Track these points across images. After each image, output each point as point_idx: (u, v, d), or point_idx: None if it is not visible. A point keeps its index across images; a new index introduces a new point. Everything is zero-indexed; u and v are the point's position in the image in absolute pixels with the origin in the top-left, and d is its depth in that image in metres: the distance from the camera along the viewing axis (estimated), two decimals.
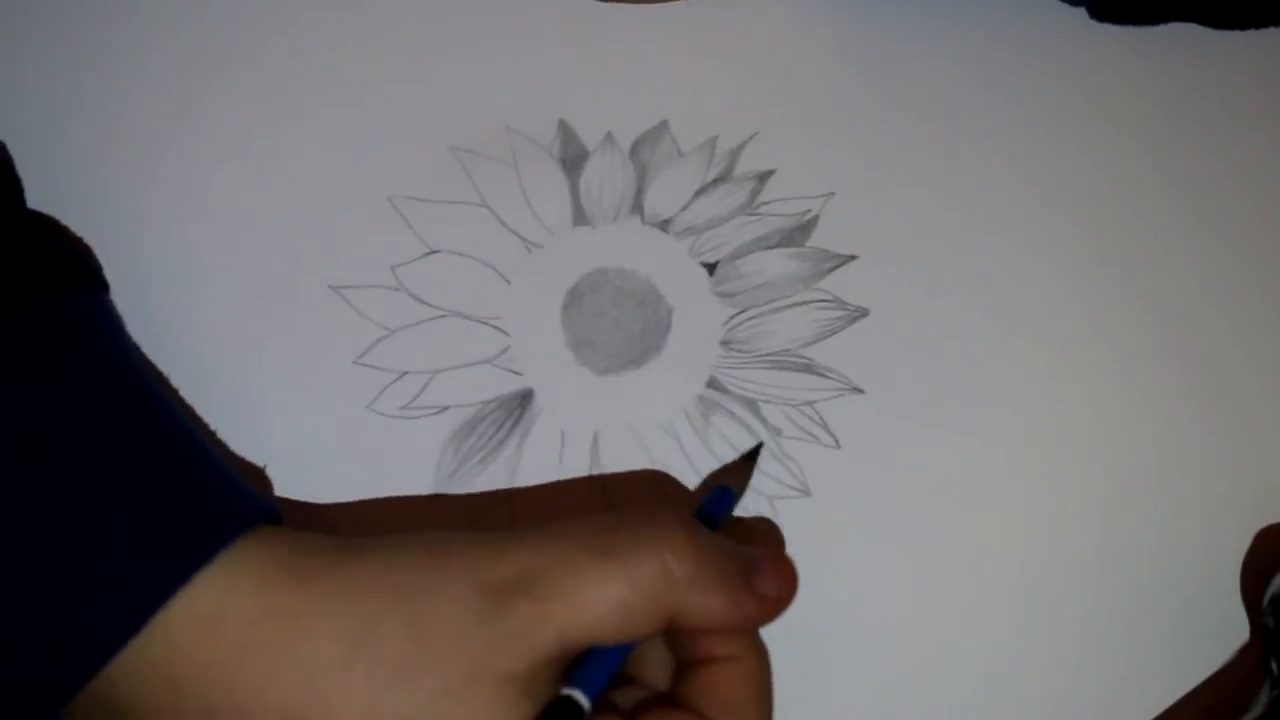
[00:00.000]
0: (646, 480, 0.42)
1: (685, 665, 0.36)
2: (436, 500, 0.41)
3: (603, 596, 0.33)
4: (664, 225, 0.44)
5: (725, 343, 0.43)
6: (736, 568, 0.35)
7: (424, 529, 0.35)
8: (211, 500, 0.34)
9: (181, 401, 0.41)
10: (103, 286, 0.39)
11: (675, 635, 0.36)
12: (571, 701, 0.32)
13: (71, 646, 0.32)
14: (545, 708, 0.33)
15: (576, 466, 0.42)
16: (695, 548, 0.34)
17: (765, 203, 0.44)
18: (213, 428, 0.41)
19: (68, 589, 0.32)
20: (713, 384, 0.43)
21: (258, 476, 0.41)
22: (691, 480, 0.42)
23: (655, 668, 0.37)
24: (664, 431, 0.42)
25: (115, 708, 0.33)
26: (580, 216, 0.44)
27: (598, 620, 0.33)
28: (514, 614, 0.33)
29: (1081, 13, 0.47)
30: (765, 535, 0.41)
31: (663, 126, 0.45)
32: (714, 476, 0.41)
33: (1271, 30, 0.47)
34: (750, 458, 0.41)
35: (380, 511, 0.41)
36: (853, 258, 0.44)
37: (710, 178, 0.45)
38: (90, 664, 0.32)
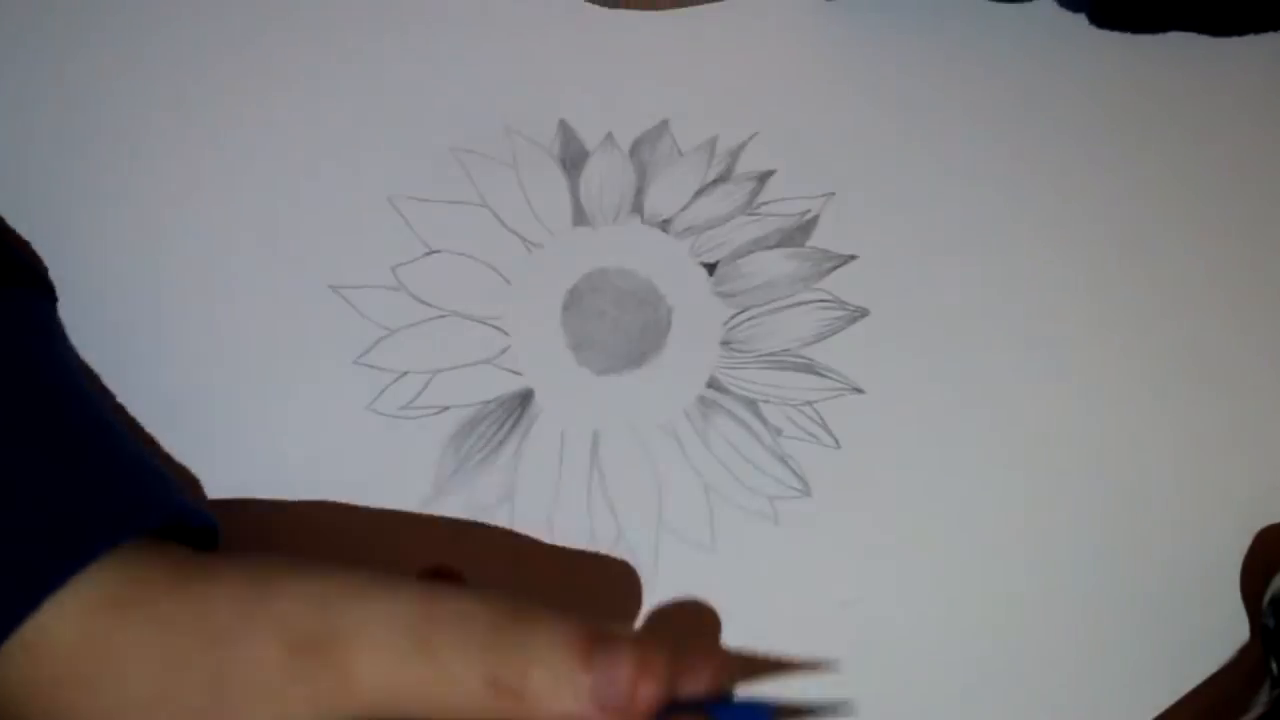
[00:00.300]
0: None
1: None
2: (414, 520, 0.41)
3: (411, 684, 0.32)
4: (664, 225, 0.44)
5: (725, 343, 0.43)
6: (576, 677, 0.32)
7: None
8: (82, 518, 0.33)
9: (120, 409, 0.41)
10: (50, 295, 0.39)
11: None
12: None
13: None
14: None
15: (576, 466, 0.42)
16: (524, 656, 0.32)
17: (765, 203, 0.44)
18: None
19: None
20: (713, 384, 0.43)
21: (193, 486, 0.41)
22: (693, 482, 0.42)
23: None
24: (664, 431, 0.42)
25: None
26: (580, 216, 0.44)
27: (406, 706, 0.32)
28: (314, 683, 0.32)
29: (1081, 17, 0.47)
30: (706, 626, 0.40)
31: (663, 126, 0.45)
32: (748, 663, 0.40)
33: (1270, 35, 0.47)
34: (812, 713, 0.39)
35: (340, 520, 0.41)
36: (853, 258, 0.44)
37: (710, 178, 0.45)
38: None
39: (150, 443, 0.41)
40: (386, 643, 0.32)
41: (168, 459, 0.41)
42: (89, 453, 0.35)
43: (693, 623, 0.41)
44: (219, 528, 0.37)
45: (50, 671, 0.32)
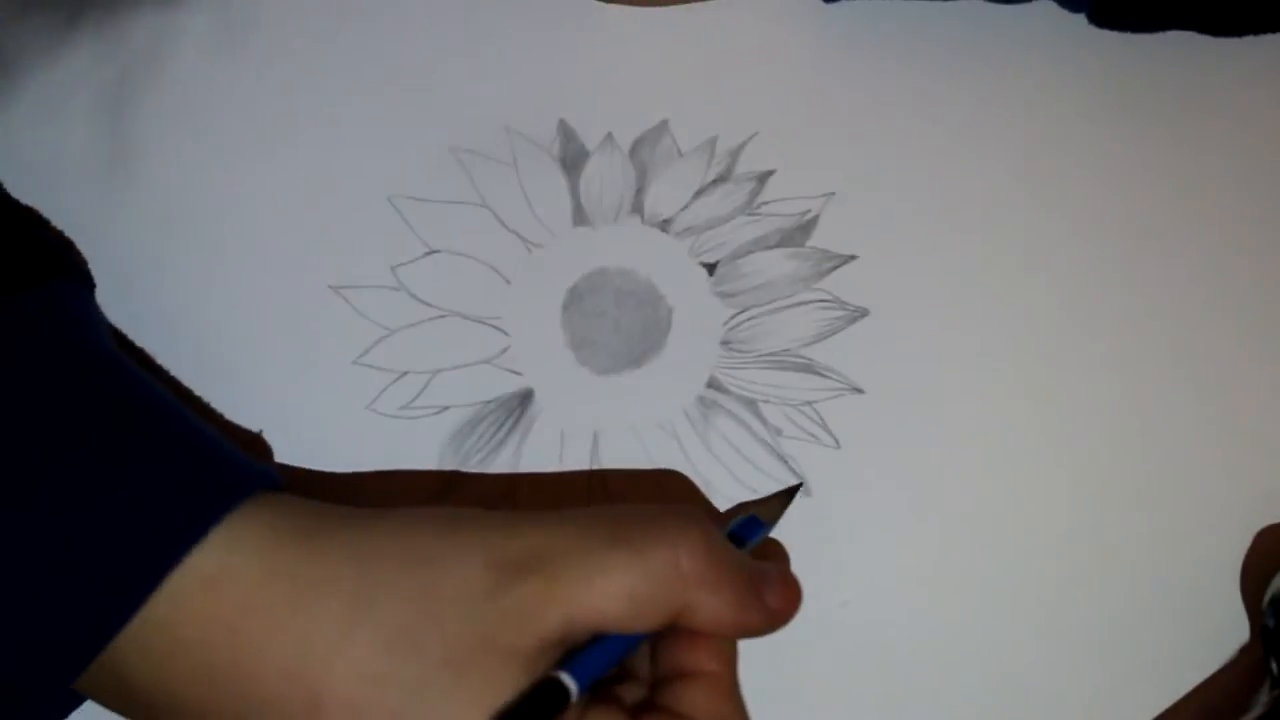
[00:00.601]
0: (659, 479, 0.42)
1: (668, 677, 0.36)
2: (445, 480, 0.41)
3: (613, 583, 0.33)
4: (664, 225, 0.44)
5: (725, 343, 0.43)
6: (746, 575, 0.35)
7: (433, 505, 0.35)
8: (213, 467, 0.34)
9: (172, 381, 0.41)
10: (87, 282, 0.40)
11: (663, 645, 0.36)
12: (558, 683, 0.32)
13: (83, 616, 0.32)
14: (531, 686, 0.32)
15: (576, 466, 0.42)
16: (709, 548, 0.34)
17: (765, 203, 0.44)
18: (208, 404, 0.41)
19: (75, 561, 0.32)
20: (713, 384, 0.43)
21: (256, 444, 0.41)
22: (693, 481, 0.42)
23: (634, 677, 0.37)
24: (664, 431, 0.42)
25: (120, 672, 0.33)
26: (580, 216, 0.44)
27: (606, 606, 0.33)
28: (522, 591, 0.33)
29: (1081, 14, 0.47)
30: (773, 554, 0.41)
31: (663, 126, 0.45)
32: (745, 506, 0.41)
33: (1271, 36, 0.47)
34: (787, 496, 0.41)
35: (386, 486, 0.41)
36: (853, 258, 0.44)
37: (710, 178, 0.45)
38: (102, 632, 0.32)
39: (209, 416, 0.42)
40: (583, 547, 0.33)
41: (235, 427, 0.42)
42: (193, 422, 0.36)
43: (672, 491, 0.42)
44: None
45: (236, 603, 0.33)
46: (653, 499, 0.42)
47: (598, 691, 0.35)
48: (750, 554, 0.37)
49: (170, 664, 0.33)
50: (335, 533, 0.34)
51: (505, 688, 0.32)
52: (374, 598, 0.32)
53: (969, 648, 0.41)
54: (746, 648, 0.41)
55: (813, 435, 0.43)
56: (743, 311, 0.44)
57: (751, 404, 0.43)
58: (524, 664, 0.32)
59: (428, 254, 0.43)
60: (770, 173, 0.45)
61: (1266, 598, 0.40)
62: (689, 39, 0.46)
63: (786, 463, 0.42)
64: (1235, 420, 0.43)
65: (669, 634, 0.36)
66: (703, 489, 0.42)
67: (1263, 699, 0.39)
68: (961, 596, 0.42)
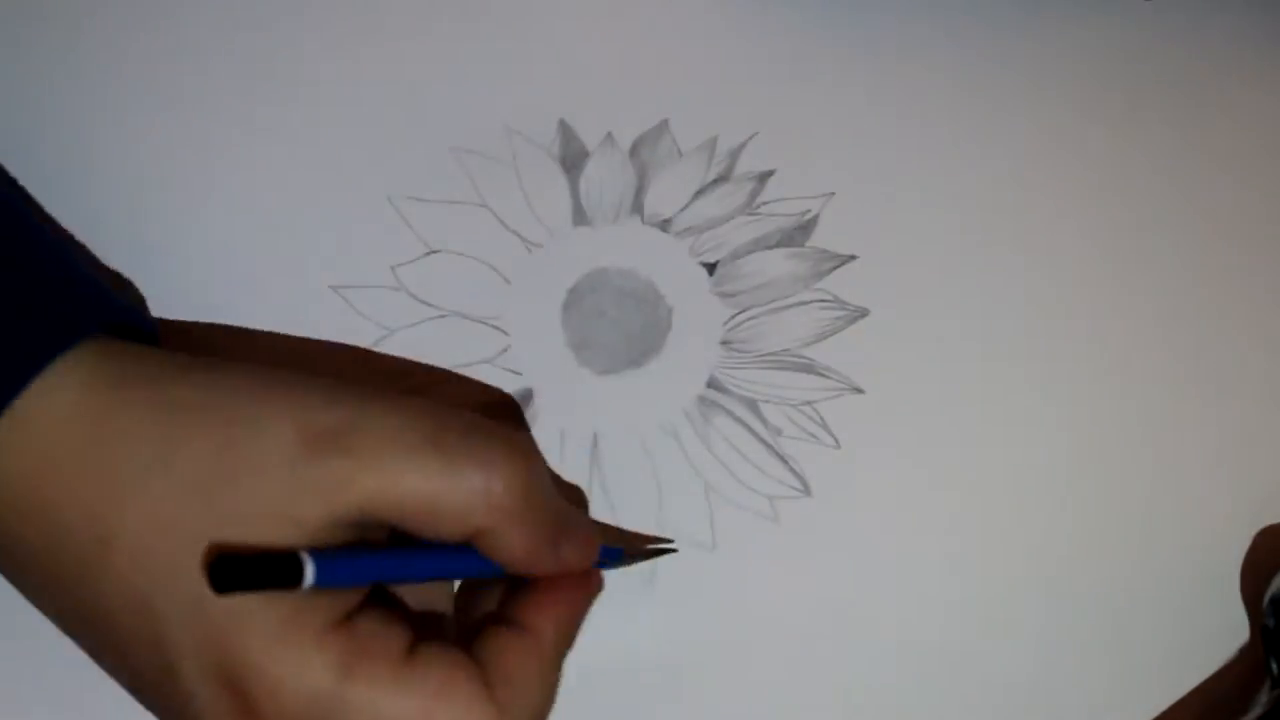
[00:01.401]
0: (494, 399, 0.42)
1: (493, 620, 0.35)
2: (361, 358, 0.41)
3: (416, 485, 0.32)
4: (664, 225, 0.44)
5: (725, 343, 0.43)
6: (551, 520, 0.34)
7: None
8: (49, 308, 0.34)
9: (46, 216, 0.41)
10: None
11: (507, 591, 0.36)
12: (294, 560, 0.31)
13: None
14: (269, 550, 0.32)
15: (576, 466, 0.42)
16: (527, 483, 0.33)
17: (765, 203, 0.44)
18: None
19: None
20: (713, 384, 0.43)
21: (130, 292, 0.41)
22: (693, 482, 0.42)
23: (477, 616, 0.36)
24: (664, 431, 0.42)
25: None
26: (580, 216, 0.44)
27: (404, 503, 0.32)
28: (323, 465, 0.32)
29: (1082, 14, 0.47)
30: (575, 502, 0.41)
31: (663, 126, 0.45)
32: (617, 533, 0.41)
33: (1272, 29, 0.47)
34: (659, 552, 0.41)
35: (278, 350, 0.41)
36: (853, 258, 0.44)
37: (710, 178, 0.45)
38: None
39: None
40: (400, 437, 0.32)
41: (103, 267, 0.41)
42: (45, 254, 0.36)
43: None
44: (159, 338, 0.37)
45: (42, 444, 0.33)
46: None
47: (389, 604, 0.34)
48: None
49: None
50: (150, 381, 0.34)
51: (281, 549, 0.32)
52: (174, 448, 0.32)
53: (969, 648, 0.41)
54: (745, 647, 0.41)
55: (813, 435, 0.43)
56: (743, 311, 0.44)
57: (752, 404, 0.43)
58: (310, 538, 0.32)
59: (428, 254, 0.43)
60: (770, 173, 0.45)
61: (1266, 598, 0.40)
62: (689, 38, 0.46)
63: (786, 463, 0.42)
64: (1235, 420, 0.43)
65: (515, 584, 0.35)
66: (703, 489, 0.42)
67: (1263, 699, 0.39)
68: (961, 596, 0.42)
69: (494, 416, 0.40)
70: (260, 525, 0.32)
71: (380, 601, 0.34)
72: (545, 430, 0.42)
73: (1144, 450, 0.43)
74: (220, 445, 0.32)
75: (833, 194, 0.45)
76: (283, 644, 0.31)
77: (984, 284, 0.44)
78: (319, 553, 0.31)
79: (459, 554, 0.34)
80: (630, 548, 0.40)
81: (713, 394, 0.43)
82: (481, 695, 0.33)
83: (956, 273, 0.44)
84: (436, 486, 0.32)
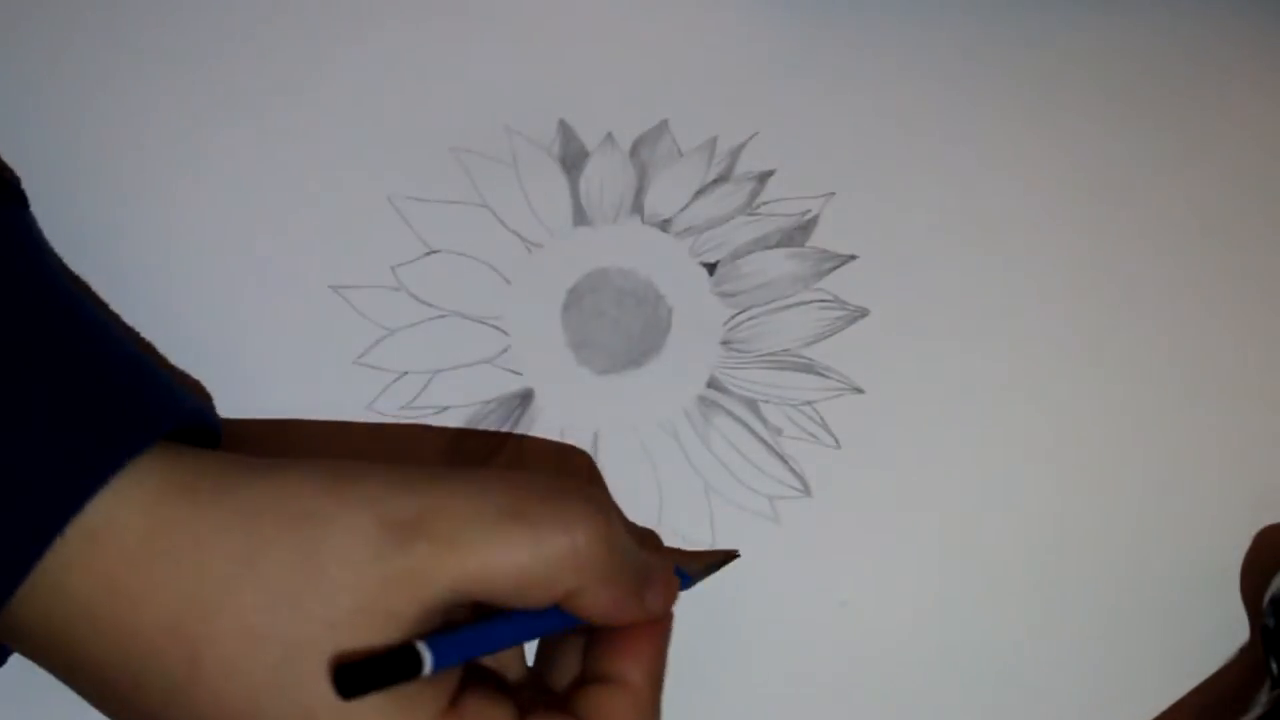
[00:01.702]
0: (564, 453, 0.42)
1: (584, 679, 0.35)
2: (413, 433, 0.41)
3: (505, 557, 0.32)
4: (664, 225, 0.44)
5: (725, 343, 0.43)
6: (633, 571, 0.35)
7: (347, 458, 0.35)
8: (119, 413, 0.34)
9: (113, 315, 0.41)
10: (21, 202, 0.39)
11: (586, 649, 0.36)
12: (411, 650, 0.31)
13: None
14: (384, 648, 0.31)
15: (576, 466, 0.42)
16: (609, 537, 0.34)
17: (765, 203, 0.44)
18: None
19: None
20: (713, 384, 0.43)
21: (195, 389, 0.41)
22: (693, 482, 0.42)
23: (566, 676, 0.36)
24: (664, 431, 0.42)
25: (13, 623, 0.33)
26: (580, 216, 0.44)
27: (494, 579, 0.32)
28: (410, 554, 0.32)
29: (1082, 13, 0.47)
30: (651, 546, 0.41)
31: (663, 126, 0.45)
32: (676, 555, 0.41)
33: (1271, 31, 0.47)
34: (720, 562, 0.41)
35: (335, 435, 0.41)
36: (853, 258, 0.44)
37: (710, 178, 0.45)
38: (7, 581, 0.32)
39: (150, 351, 0.41)
40: (479, 514, 0.32)
41: (170, 368, 0.41)
42: (113, 358, 0.35)
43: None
44: (221, 436, 0.37)
45: (120, 556, 0.32)
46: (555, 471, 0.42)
47: (483, 678, 0.35)
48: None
49: (58, 617, 0.32)
50: (225, 488, 0.33)
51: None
52: (257, 555, 0.32)
53: (969, 648, 0.41)
54: (745, 647, 0.41)
55: (813, 435, 0.43)
56: (743, 311, 0.44)
57: (752, 404, 0.43)
58: (405, 628, 0.32)
59: (428, 254, 0.43)
60: (770, 173, 0.45)
61: (1266, 598, 0.40)
62: (689, 38, 0.46)
63: (786, 463, 0.42)
64: (1235, 420, 0.43)
65: (594, 640, 0.36)
66: (703, 489, 0.42)
67: (1263, 699, 0.39)
68: (961, 596, 0.42)
69: (563, 467, 0.41)
70: (355, 625, 0.32)
71: (475, 681, 0.34)
72: (545, 430, 0.42)
73: (1144, 450, 0.43)
74: (302, 547, 0.32)
75: (833, 194, 0.45)
76: None
77: (984, 284, 0.44)
78: (432, 639, 0.31)
79: (545, 613, 0.34)
80: (693, 567, 0.40)
81: (713, 394, 0.43)
82: None
83: (956, 273, 0.44)
84: (522, 558, 0.32)
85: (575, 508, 0.33)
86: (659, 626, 0.36)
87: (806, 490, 0.42)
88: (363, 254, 0.43)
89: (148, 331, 0.42)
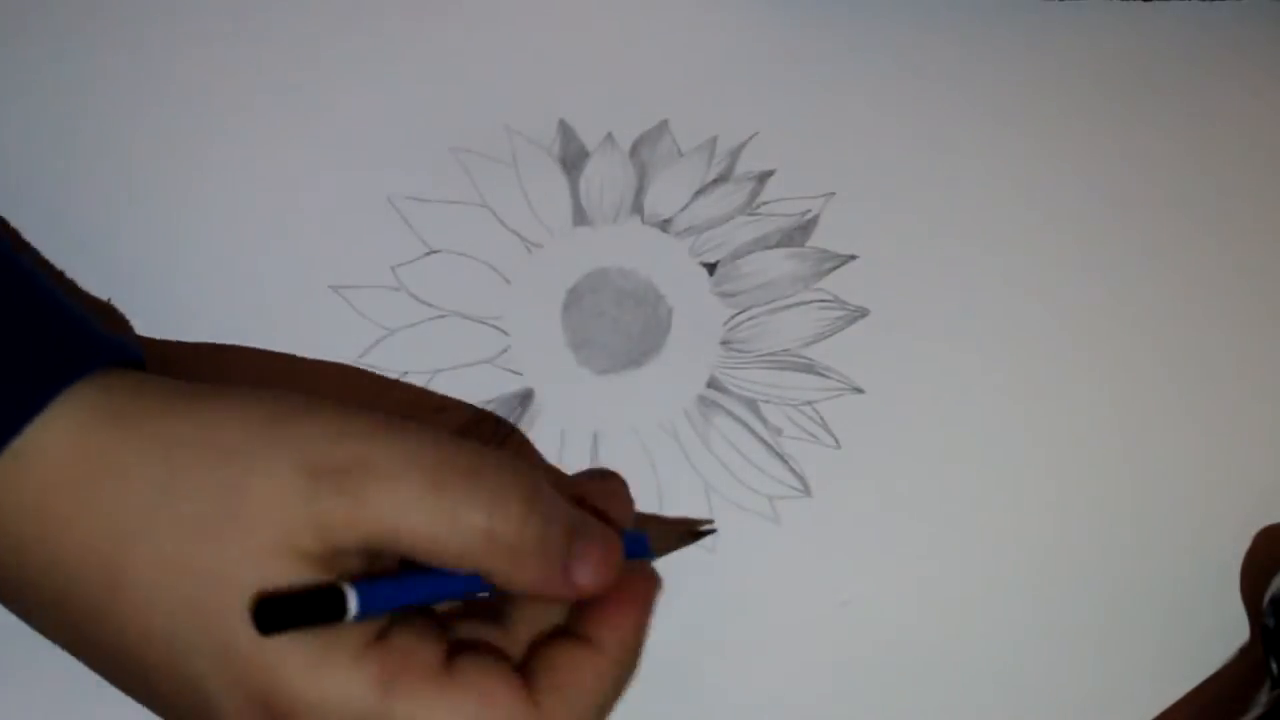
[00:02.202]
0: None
1: (557, 634, 0.35)
2: (351, 377, 0.41)
3: (418, 525, 0.32)
4: (664, 225, 0.44)
5: (725, 343, 0.43)
6: (555, 551, 0.34)
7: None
8: (47, 347, 0.34)
9: (32, 251, 0.41)
10: None
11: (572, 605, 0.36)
12: (337, 593, 0.31)
13: None
14: (312, 585, 0.32)
15: (576, 467, 0.42)
16: (525, 515, 0.33)
17: (765, 203, 0.44)
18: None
19: None
20: (713, 384, 0.43)
21: (109, 315, 0.41)
22: (693, 482, 0.42)
23: (534, 627, 0.36)
24: (664, 431, 0.42)
25: None
26: (580, 216, 0.44)
27: (408, 545, 0.33)
28: (326, 503, 0.32)
29: (1082, 12, 0.47)
30: (611, 496, 0.39)
31: (663, 126, 0.45)
32: (650, 521, 0.41)
33: (1265, 41, 0.47)
34: (692, 536, 0.41)
35: (249, 362, 0.41)
36: (853, 258, 0.44)
37: (710, 178, 0.45)
38: None
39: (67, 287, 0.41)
40: (403, 478, 0.32)
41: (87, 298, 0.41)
42: (38, 293, 0.36)
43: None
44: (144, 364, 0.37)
45: (42, 480, 0.33)
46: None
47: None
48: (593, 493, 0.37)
49: None
50: (153, 416, 0.33)
51: (292, 587, 0.32)
52: (178, 484, 0.32)
53: (969, 648, 0.41)
54: (745, 647, 0.41)
55: (813, 435, 0.43)
56: (743, 311, 0.44)
57: (752, 404, 0.43)
58: (317, 568, 0.32)
59: (428, 254, 0.43)
60: (770, 173, 0.45)
61: (1266, 598, 0.40)
62: (689, 38, 0.46)
63: (787, 462, 0.42)
64: (1235, 420, 0.43)
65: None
66: (703, 489, 0.42)
67: (1263, 699, 0.39)
68: (961, 596, 0.42)
69: (493, 431, 0.41)
70: (272, 560, 0.32)
71: (413, 618, 0.34)
72: (545, 430, 0.42)
73: (1144, 450, 0.43)
74: (223, 480, 0.32)
75: (833, 194, 0.45)
76: (321, 670, 0.32)
77: (984, 284, 0.44)
78: (359, 584, 0.31)
79: (472, 576, 0.34)
80: (663, 539, 0.40)
81: (713, 394, 0.43)
82: (524, 704, 0.33)
83: (956, 273, 0.44)
84: (436, 530, 0.32)
85: (495, 485, 0.33)
86: (637, 592, 0.36)
87: (806, 490, 0.42)
88: (363, 254, 0.43)
89: (148, 333, 0.42)
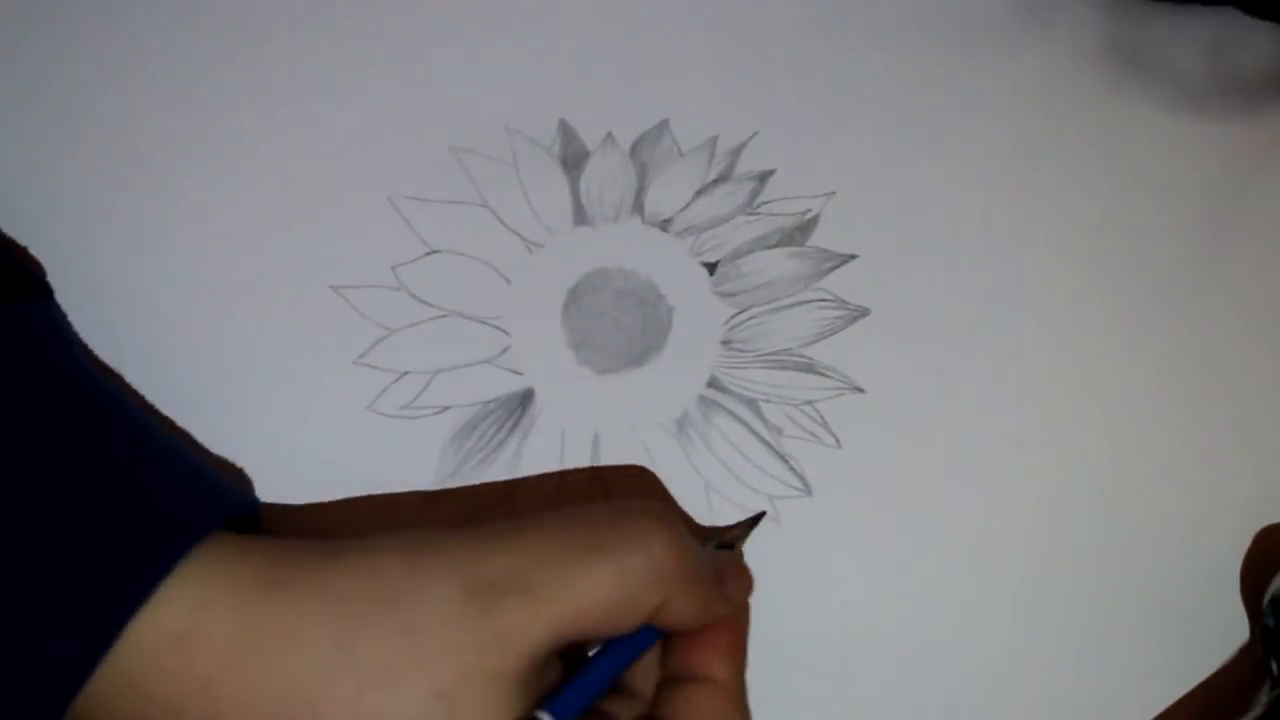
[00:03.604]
0: (635, 474, 0.42)
1: (669, 682, 0.36)
2: (433, 498, 0.41)
3: (593, 591, 0.33)
4: (664, 225, 0.44)
5: (726, 342, 0.43)
6: (710, 569, 0.36)
7: (411, 528, 0.35)
8: (172, 506, 0.33)
9: (143, 402, 0.41)
10: (47, 293, 0.39)
11: (668, 652, 0.36)
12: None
13: (41, 676, 0.31)
14: None
15: (577, 466, 0.42)
16: (683, 547, 0.34)
17: (765, 202, 0.44)
18: (202, 429, 0.41)
19: (27, 616, 0.31)
20: (713, 384, 0.43)
21: (237, 476, 0.41)
22: (694, 481, 0.42)
23: (648, 683, 0.37)
24: (665, 431, 0.42)
25: None
26: (581, 216, 0.44)
27: (588, 615, 0.33)
28: (504, 612, 0.32)
29: (1082, 12, 0.47)
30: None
31: (663, 126, 0.45)
32: (711, 532, 0.41)
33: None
34: (752, 523, 0.41)
35: (372, 511, 0.41)
36: (853, 257, 0.44)
37: (710, 177, 0.45)
38: (64, 691, 0.31)
39: (189, 440, 0.41)
40: (558, 556, 0.33)
41: (211, 455, 0.41)
42: (156, 448, 0.35)
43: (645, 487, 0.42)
44: (260, 522, 0.37)
45: (212, 658, 0.32)
46: (631, 493, 0.42)
47: (591, 713, 0.35)
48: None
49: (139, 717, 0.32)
50: (306, 575, 0.33)
51: (496, 713, 0.32)
52: (353, 638, 0.32)
53: (969, 648, 0.41)
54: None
55: (813, 435, 0.43)
56: (743, 311, 0.44)
57: (752, 403, 0.43)
58: (513, 685, 0.32)
59: (428, 254, 0.43)
60: (770, 172, 0.45)
61: (1266, 598, 0.40)
62: (689, 38, 0.46)
63: (787, 462, 0.42)
64: (1235, 420, 0.43)
65: (674, 641, 0.36)
66: (704, 489, 0.42)
67: (1263, 699, 0.39)
68: (961, 596, 0.42)
69: (620, 483, 0.42)
70: (462, 692, 0.32)
71: None
72: (546, 430, 0.42)
73: (1144, 450, 0.43)
74: (396, 623, 0.32)
75: (833, 194, 0.45)
76: None
77: (984, 283, 0.44)
78: (548, 703, 0.32)
79: (637, 634, 0.35)
80: (736, 540, 0.40)
81: (713, 393, 0.43)
82: None
83: (957, 273, 0.44)
84: (608, 587, 0.33)
85: (643, 525, 0.34)
86: (737, 618, 0.37)
87: (807, 490, 0.42)
88: (363, 254, 0.43)
89: (148, 335, 0.42)
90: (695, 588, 0.35)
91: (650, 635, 0.35)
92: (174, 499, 0.34)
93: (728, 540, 0.39)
